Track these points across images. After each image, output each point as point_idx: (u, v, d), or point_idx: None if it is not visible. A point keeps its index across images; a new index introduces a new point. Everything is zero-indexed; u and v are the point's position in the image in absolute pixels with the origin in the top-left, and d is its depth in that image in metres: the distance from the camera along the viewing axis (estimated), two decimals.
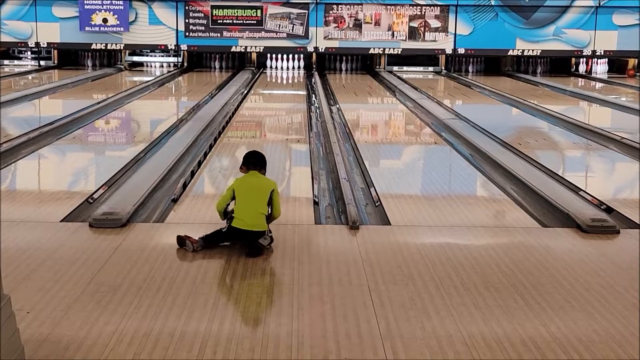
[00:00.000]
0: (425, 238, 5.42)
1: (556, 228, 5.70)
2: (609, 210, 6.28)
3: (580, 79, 19.38)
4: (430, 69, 20.45)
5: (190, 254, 4.92)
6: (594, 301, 4.22)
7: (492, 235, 5.50)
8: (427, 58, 20.23)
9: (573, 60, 20.46)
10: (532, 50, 19.63)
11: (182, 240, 5.02)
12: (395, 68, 20.30)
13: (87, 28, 19.05)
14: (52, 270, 4.56)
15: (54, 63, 19.97)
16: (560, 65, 20.57)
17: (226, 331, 3.74)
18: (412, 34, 19.53)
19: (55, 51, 19.88)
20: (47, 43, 19.23)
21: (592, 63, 20.50)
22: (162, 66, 20.13)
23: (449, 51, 19.66)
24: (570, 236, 5.47)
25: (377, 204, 6.36)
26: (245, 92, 15.03)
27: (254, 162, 5.20)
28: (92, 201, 6.36)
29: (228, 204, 5.15)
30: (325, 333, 3.74)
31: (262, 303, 4.11)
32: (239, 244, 5.04)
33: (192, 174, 7.47)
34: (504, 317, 3.97)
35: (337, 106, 13.21)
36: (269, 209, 5.13)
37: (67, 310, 3.97)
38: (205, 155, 8.50)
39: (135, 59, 20.11)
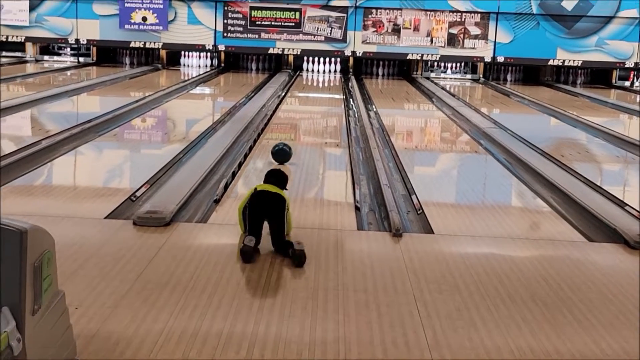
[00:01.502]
0: (469, 248, 5.40)
1: (602, 243, 5.65)
2: None
3: (621, 91, 19.18)
4: (468, 76, 20.40)
5: (234, 255, 4.94)
6: None
7: (537, 248, 5.46)
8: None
9: (614, 72, 20.27)
10: (573, 60, 19.47)
11: (247, 256, 4.85)
12: (432, 74, 20.28)
13: (126, 26, 19.24)
14: (99, 267, 4.62)
15: (92, 60, 20.22)
16: (601, 76, 20.38)
17: (273, 334, 3.77)
18: (452, 40, 19.47)
19: (94, 48, 20.13)
20: (87, 40, 19.46)
21: (633, 75, 20.30)
22: (199, 66, 20.30)
23: (488, 59, 19.56)
24: (617, 252, 5.42)
25: (419, 212, 6.36)
26: (283, 94, 15.09)
27: (274, 180, 5.31)
28: (134, 199, 6.42)
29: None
30: (372, 340, 3.75)
31: (308, 308, 4.13)
32: (277, 248, 5.04)
33: (233, 175, 7.51)
34: (552, 332, 3.94)
35: (375, 111, 13.21)
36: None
37: (115, 307, 4.02)
38: (245, 156, 8.54)
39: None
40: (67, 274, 4.45)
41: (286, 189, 5.38)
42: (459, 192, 7.56)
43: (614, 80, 20.32)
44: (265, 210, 5.08)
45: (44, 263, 2.90)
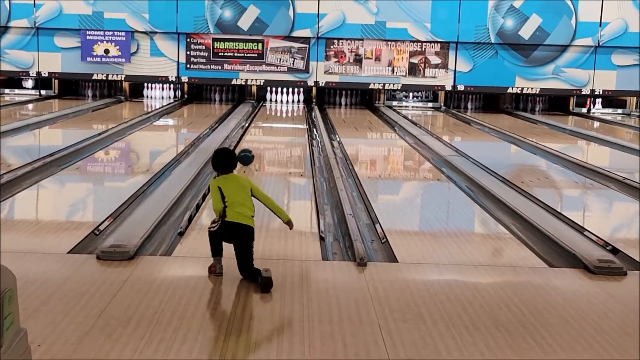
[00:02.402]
0: (432, 275, 5.45)
1: (563, 268, 5.73)
2: (614, 251, 6.32)
3: (579, 117, 19.54)
4: (430, 104, 20.64)
5: (199, 288, 4.93)
6: (604, 342, 4.24)
7: (499, 274, 5.53)
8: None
9: (571, 99, 20.65)
10: (531, 88, 19.81)
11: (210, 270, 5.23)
12: (394, 103, 20.49)
13: (88, 58, 19.17)
14: (62, 303, 4.56)
15: (54, 93, 20.09)
16: (559, 103, 20.76)
17: None
18: (413, 69, 19.71)
19: (56, 81, 20.01)
20: (49, 72, 19.34)
21: (590, 102, 20.71)
22: (162, 98, 20.27)
23: (448, 87, 19.82)
24: (577, 277, 5.51)
25: (383, 241, 6.40)
26: (246, 125, 15.12)
27: (226, 165, 5.25)
28: (98, 233, 6.38)
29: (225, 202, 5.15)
30: None
31: (274, 340, 4.12)
32: (246, 277, 5.05)
33: (197, 207, 7.51)
34: (515, 358, 3.98)
35: (338, 140, 13.29)
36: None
37: (79, 344, 3.97)
38: (209, 189, 8.52)
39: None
40: (29, 311, 4.39)
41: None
42: (422, 220, 7.62)
43: (571, 107, 20.71)
44: (234, 240, 5.10)
45: (5, 301, 2.86)
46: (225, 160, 5.29)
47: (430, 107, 20.58)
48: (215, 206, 5.18)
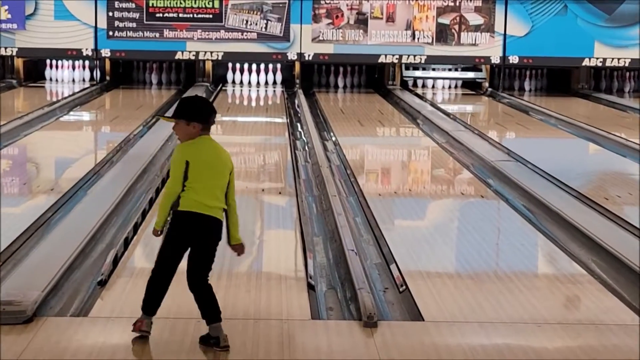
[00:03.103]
0: (475, 339, 5.47)
1: None
2: None
3: None
4: (468, 85, 20.72)
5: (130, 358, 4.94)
6: None
7: (574, 336, 5.53)
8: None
9: None
10: (618, 59, 19.89)
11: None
12: (416, 82, 20.61)
13: None
14: None
15: None
16: None
17: None
18: (442, 34, 19.79)
19: None
20: None
21: None
22: (73, 81, 20.29)
23: (496, 60, 19.90)
24: None
25: (401, 289, 6.42)
26: None
27: (205, 116, 5.24)
28: None
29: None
30: None
31: None
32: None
33: (126, 243, 7.51)
34: None
35: (334, 140, 13.32)
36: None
37: None
38: (144, 214, 8.54)
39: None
40: None
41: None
42: (460, 257, 7.64)
43: None
44: (191, 240, 5.13)
45: None
46: (206, 108, 5.30)
47: (470, 90, 20.64)
48: (170, 189, 5.15)
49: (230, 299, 6.08)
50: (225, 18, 19.51)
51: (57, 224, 8.09)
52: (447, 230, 8.76)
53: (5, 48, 19.46)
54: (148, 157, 11.15)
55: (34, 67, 20.55)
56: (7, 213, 9.05)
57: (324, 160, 11.21)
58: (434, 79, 20.83)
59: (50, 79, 20.48)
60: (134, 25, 19.48)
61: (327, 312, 6.05)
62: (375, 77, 20.86)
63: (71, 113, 16.45)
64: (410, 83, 20.73)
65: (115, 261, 6.93)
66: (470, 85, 20.95)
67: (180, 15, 19.48)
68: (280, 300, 6.12)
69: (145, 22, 19.47)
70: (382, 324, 5.59)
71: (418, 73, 20.64)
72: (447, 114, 16.48)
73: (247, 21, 19.56)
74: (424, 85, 20.82)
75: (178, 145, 5.23)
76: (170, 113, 5.33)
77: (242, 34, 19.60)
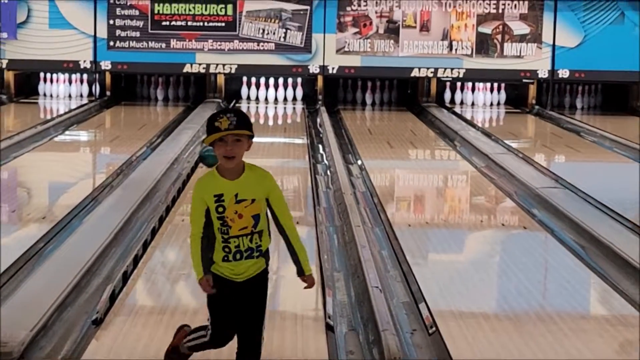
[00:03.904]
0: None
1: None
2: None
3: None
4: (512, 102, 20.71)
5: None
6: None
7: None
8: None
9: None
10: None
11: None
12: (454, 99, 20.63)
13: None
14: None
15: None
16: None
17: None
18: (483, 45, 19.82)
19: None
20: None
21: None
22: (70, 96, 20.38)
23: (543, 74, 19.90)
24: None
25: (431, 330, 6.44)
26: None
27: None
28: None
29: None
30: None
31: None
32: None
33: (125, 277, 7.57)
34: None
35: (360, 164, 13.37)
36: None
37: None
38: (146, 246, 8.60)
39: None
40: None
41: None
42: (497, 295, 7.66)
43: None
44: (241, 308, 5.08)
45: None
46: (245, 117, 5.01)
47: (514, 108, 20.63)
48: (194, 255, 5.07)
49: None
50: (239, 27, 19.58)
51: (49, 256, 8.14)
52: (485, 266, 8.77)
53: None
54: (151, 182, 11.20)
55: (27, 80, 20.64)
56: None
57: (348, 186, 11.25)
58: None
59: (44, 95, 20.51)
60: (138, 34, 19.57)
61: (347, 355, 6.09)
62: (407, 93, 20.88)
63: (67, 132, 16.51)
64: (448, 99, 20.74)
65: (113, 298, 6.98)
66: (515, 103, 20.93)
67: (190, 23, 19.55)
68: (295, 341, 6.17)
69: (150, 31, 19.56)
70: None
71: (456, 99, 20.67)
72: (488, 135, 16.46)
73: (263, 30, 19.62)
74: (462, 103, 20.79)
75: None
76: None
77: (258, 45, 19.66)
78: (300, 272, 5.23)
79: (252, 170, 5.00)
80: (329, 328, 6.46)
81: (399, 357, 5.68)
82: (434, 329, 6.46)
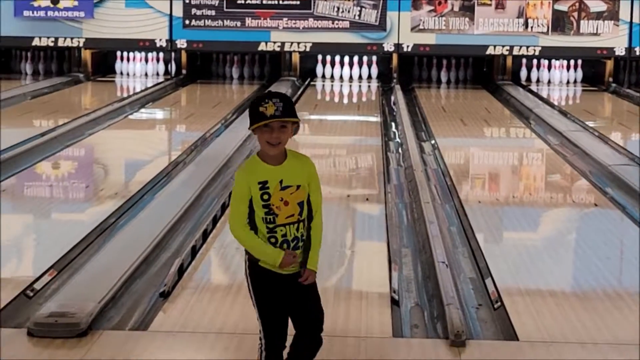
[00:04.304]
0: None
1: None
2: None
3: None
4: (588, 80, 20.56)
5: None
6: None
7: None
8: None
9: None
10: None
11: None
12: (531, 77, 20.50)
13: (25, 13, 19.57)
14: None
15: None
16: None
17: None
18: (559, 22, 19.65)
19: None
20: None
21: None
22: (146, 75, 20.59)
23: (620, 52, 19.70)
24: None
25: (496, 306, 6.45)
26: None
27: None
28: (32, 294, 6.55)
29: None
30: None
31: None
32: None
33: (194, 252, 7.65)
34: None
35: (433, 142, 13.38)
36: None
37: None
38: (215, 221, 8.69)
39: None
40: None
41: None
42: (565, 272, 7.63)
43: None
44: (289, 298, 4.64)
45: None
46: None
47: (590, 85, 20.45)
48: (238, 232, 4.64)
49: None
50: (314, 5, 19.60)
51: (120, 230, 8.27)
52: (555, 244, 8.71)
53: (72, 39, 19.79)
54: (224, 159, 11.30)
55: (103, 59, 20.89)
56: (67, 218, 9.30)
57: (419, 163, 11.25)
58: None
59: (121, 73, 20.76)
60: (213, 13, 19.66)
61: (412, 330, 6.12)
62: (483, 71, 20.78)
63: (142, 110, 16.71)
64: (524, 77, 20.60)
65: (181, 271, 7.07)
66: (591, 81, 20.73)
67: (264, 2, 19.59)
68: (359, 316, 6.18)
69: (225, 9, 19.64)
70: (471, 343, 5.63)
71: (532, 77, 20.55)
72: (564, 113, 16.35)
73: (338, 8, 19.63)
74: (538, 81, 20.63)
75: (306, 157, 4.73)
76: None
77: (332, 23, 19.67)
78: (303, 265, 4.62)
79: (294, 156, 4.62)
80: (394, 302, 6.48)
81: (462, 331, 5.69)
82: (499, 304, 6.46)
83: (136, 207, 9.24)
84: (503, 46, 19.74)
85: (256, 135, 4.53)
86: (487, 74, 20.68)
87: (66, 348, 5.47)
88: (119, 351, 5.49)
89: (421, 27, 19.71)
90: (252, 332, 5.57)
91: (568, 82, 20.68)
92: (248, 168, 4.57)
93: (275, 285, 4.54)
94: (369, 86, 19.97)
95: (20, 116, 15.45)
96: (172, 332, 5.87)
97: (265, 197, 4.50)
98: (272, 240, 4.53)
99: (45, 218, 9.26)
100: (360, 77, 20.41)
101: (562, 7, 19.64)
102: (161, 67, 20.72)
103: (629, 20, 19.58)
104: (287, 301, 4.57)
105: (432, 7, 19.68)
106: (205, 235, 8.18)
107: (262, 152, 4.56)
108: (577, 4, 19.61)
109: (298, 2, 19.56)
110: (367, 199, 9.88)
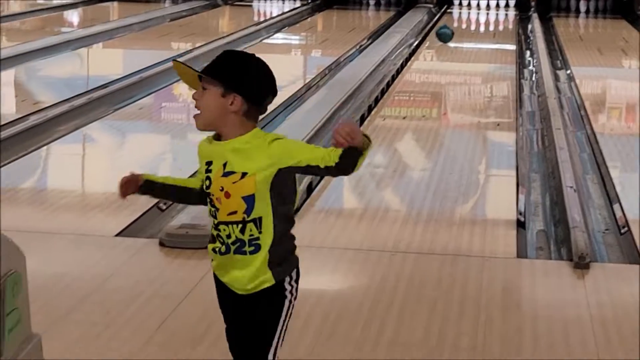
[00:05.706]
0: None
1: None
2: None
3: None
4: None
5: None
6: None
7: None
8: None
9: None
10: None
11: None
12: None
13: None
14: (103, 308, 4.89)
15: None
16: None
17: None
18: None
19: None
20: None
21: None
22: (283, 0, 20.66)
23: None
24: None
25: (623, 230, 6.43)
26: (416, 44, 15.22)
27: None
28: (164, 208, 6.72)
29: None
30: None
31: None
32: None
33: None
34: None
35: (568, 72, 13.22)
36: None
37: None
38: None
39: None
40: (53, 316, 4.73)
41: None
42: None
43: None
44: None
45: (9, 290, 3.11)
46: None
47: None
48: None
49: (428, 234, 6.23)
50: None
51: None
52: None
53: None
54: (356, 82, 11.36)
55: None
56: (201, 136, 9.45)
57: (553, 90, 11.16)
58: None
59: None
60: None
61: (536, 252, 6.14)
62: (623, 1, 20.39)
63: (278, 34, 16.81)
64: None
65: (310, 190, 7.15)
66: None
67: None
68: (484, 237, 6.24)
69: None
70: (594, 266, 5.63)
71: None
72: None
73: None
74: None
75: (274, 135, 3.36)
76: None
77: None
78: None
79: (257, 135, 3.30)
80: (520, 225, 6.50)
81: (586, 253, 5.67)
82: (626, 229, 6.44)
83: (268, 128, 9.35)
84: None
85: None
86: (627, 3, 20.27)
87: (196, 258, 5.61)
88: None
89: None
90: (377, 249, 5.71)
91: None
92: (204, 140, 3.40)
93: (220, 293, 3.53)
94: (506, 14, 19.80)
95: (158, 38, 15.69)
96: (300, 246, 5.96)
97: (207, 182, 3.36)
98: (219, 240, 3.40)
99: (179, 136, 9.45)
100: (497, 5, 20.26)
101: None
102: None
103: None
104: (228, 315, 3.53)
105: None
106: None
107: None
108: None
109: None
110: (498, 125, 9.85)
